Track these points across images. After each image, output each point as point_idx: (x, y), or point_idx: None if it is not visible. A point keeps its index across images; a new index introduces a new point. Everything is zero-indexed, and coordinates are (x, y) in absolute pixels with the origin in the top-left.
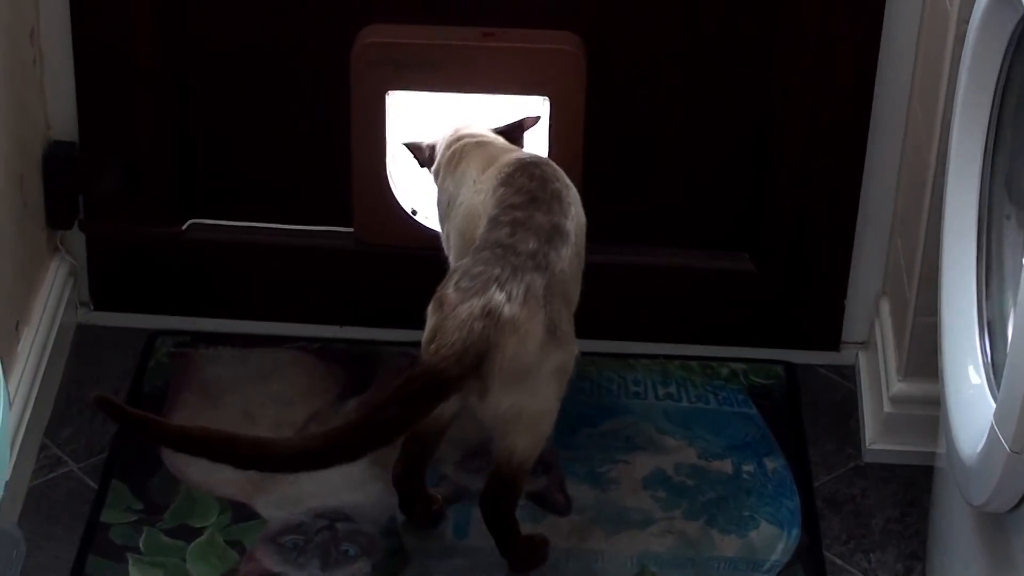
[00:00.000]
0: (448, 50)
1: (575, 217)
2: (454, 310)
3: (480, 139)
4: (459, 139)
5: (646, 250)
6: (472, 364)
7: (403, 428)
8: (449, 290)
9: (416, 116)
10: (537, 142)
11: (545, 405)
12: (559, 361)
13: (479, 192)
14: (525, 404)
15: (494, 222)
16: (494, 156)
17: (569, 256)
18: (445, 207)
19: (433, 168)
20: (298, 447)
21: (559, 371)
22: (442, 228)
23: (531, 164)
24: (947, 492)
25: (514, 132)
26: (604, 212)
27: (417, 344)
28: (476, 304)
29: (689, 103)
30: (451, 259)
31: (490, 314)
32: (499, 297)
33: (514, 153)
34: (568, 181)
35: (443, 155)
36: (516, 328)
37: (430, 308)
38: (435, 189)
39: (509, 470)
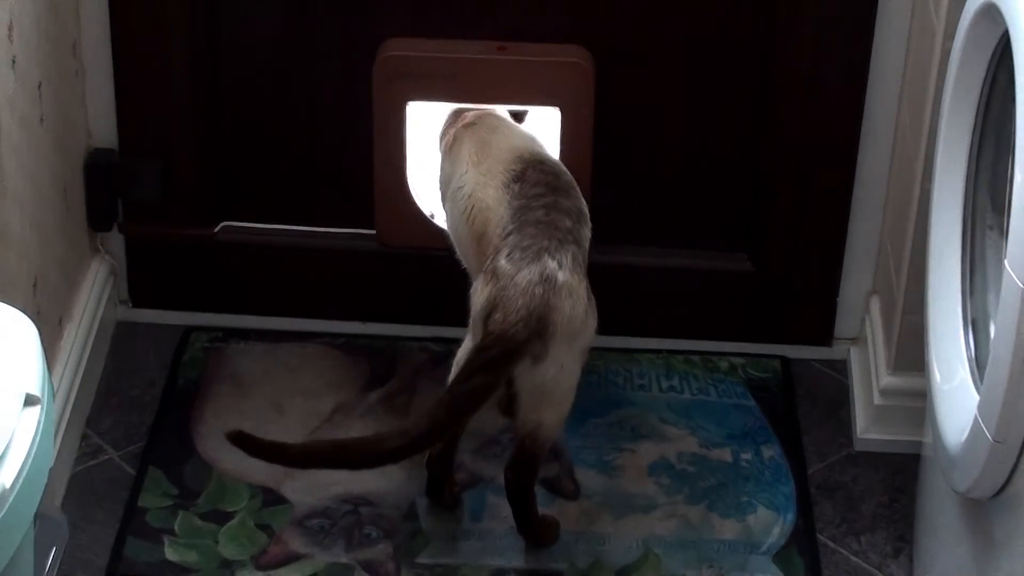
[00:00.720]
0: (464, 63)
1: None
2: (512, 279)
3: (475, 122)
4: (457, 122)
5: (651, 251)
6: (537, 327)
7: (488, 394)
8: (502, 261)
9: (434, 125)
10: (549, 148)
11: (574, 381)
12: (592, 330)
13: (485, 185)
14: (564, 376)
15: (526, 208)
16: (487, 142)
17: (588, 235)
18: (444, 186)
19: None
20: (404, 433)
21: (589, 343)
22: (443, 205)
23: (538, 162)
24: (933, 479)
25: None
26: (611, 214)
27: (434, 340)
28: (534, 271)
29: (690, 113)
30: (448, 232)
31: (548, 279)
32: (552, 264)
33: (511, 142)
34: (568, 172)
35: (443, 137)
36: (571, 291)
37: (480, 282)
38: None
39: (534, 446)
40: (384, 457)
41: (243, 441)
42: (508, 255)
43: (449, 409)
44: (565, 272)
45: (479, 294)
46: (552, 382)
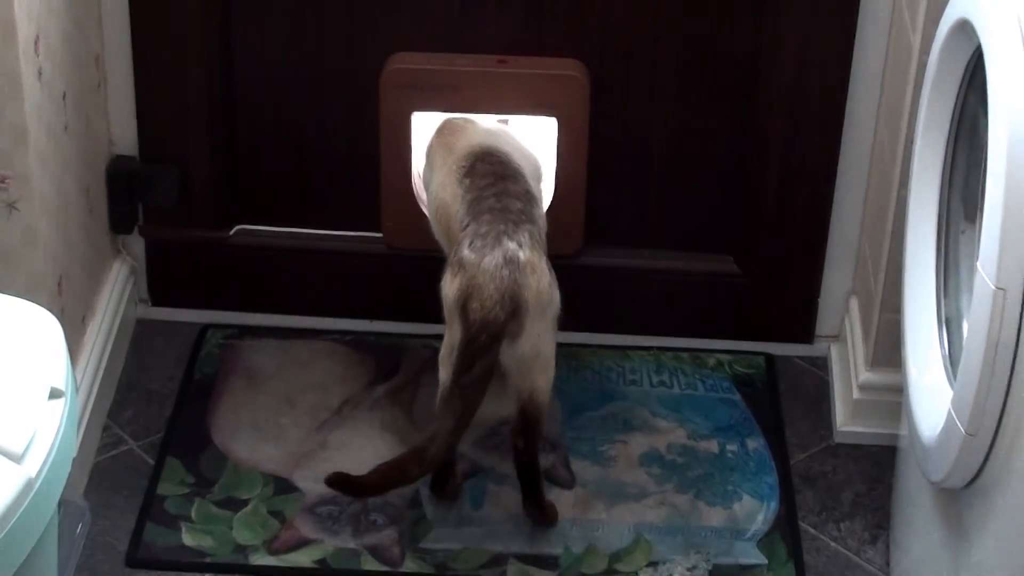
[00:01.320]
0: (466, 75)
1: (536, 181)
2: (479, 266)
3: (447, 131)
4: (435, 136)
5: (641, 253)
6: (511, 307)
7: (489, 377)
8: (464, 252)
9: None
10: (547, 157)
11: (552, 347)
12: (558, 300)
13: (444, 187)
14: (542, 344)
15: (478, 200)
16: (449, 144)
17: (542, 214)
18: (427, 187)
19: None
20: (435, 437)
21: (557, 312)
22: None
23: (486, 154)
24: (909, 470)
25: None
26: (604, 219)
27: (438, 337)
28: (497, 255)
29: (679, 123)
30: (434, 233)
31: (511, 260)
32: (512, 246)
33: (468, 141)
34: (520, 160)
35: (427, 152)
36: (533, 268)
37: (448, 274)
38: None
39: (533, 409)
40: (432, 461)
41: (341, 483)
42: (470, 244)
43: (463, 401)
44: (525, 250)
45: (449, 285)
46: (532, 352)
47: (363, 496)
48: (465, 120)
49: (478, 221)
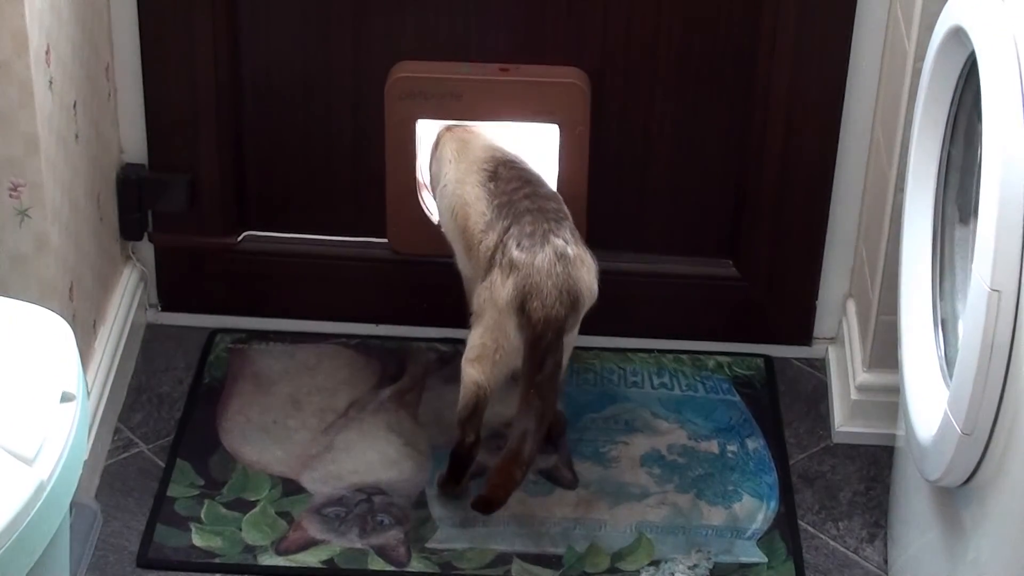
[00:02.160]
0: (469, 83)
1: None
2: (533, 265)
3: (457, 127)
4: (444, 129)
5: (642, 257)
6: (570, 302)
7: (559, 371)
8: (514, 252)
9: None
10: (549, 163)
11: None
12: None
13: (463, 182)
14: (577, 329)
15: (510, 203)
16: (465, 140)
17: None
18: (434, 186)
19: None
20: (524, 435)
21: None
22: (435, 202)
23: (508, 161)
24: (906, 469)
25: None
26: (606, 223)
27: (442, 340)
28: (548, 252)
29: (680, 130)
30: (442, 226)
31: (563, 256)
32: (560, 242)
33: (485, 143)
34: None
35: (432, 144)
36: (583, 261)
37: (497, 276)
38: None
39: (557, 383)
40: (530, 460)
41: (483, 505)
42: (518, 245)
43: (542, 398)
44: (572, 246)
45: (502, 287)
46: (572, 339)
47: (493, 510)
48: (474, 127)
49: (520, 223)
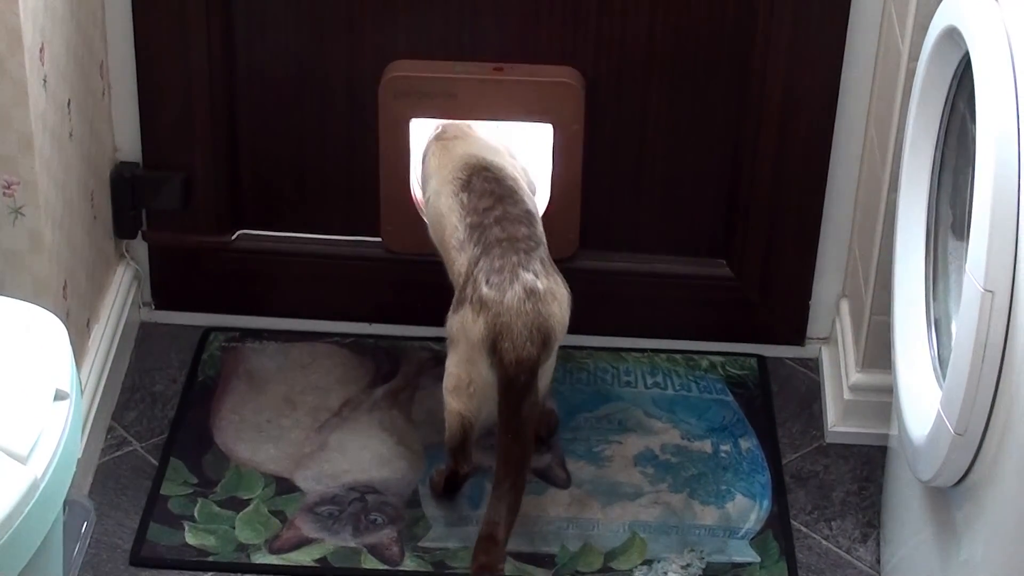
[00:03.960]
0: (464, 83)
1: (531, 194)
2: (502, 304)
3: (443, 134)
4: (434, 139)
5: (636, 257)
6: (541, 340)
7: (537, 409)
8: (484, 289)
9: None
10: (542, 162)
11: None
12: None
13: (439, 194)
14: (554, 356)
15: (480, 226)
16: (447, 149)
17: (541, 229)
18: (424, 195)
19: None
20: (507, 477)
21: None
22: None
23: (482, 168)
24: (899, 469)
25: None
26: (600, 223)
27: (436, 339)
28: (517, 290)
29: (673, 130)
30: (430, 233)
31: (532, 293)
32: (529, 277)
33: (465, 150)
34: (515, 171)
35: (422, 156)
36: (553, 294)
37: (468, 312)
38: None
39: (534, 425)
40: (518, 503)
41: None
42: (487, 282)
43: (521, 442)
44: (542, 279)
45: (473, 324)
46: (548, 367)
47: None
48: (466, 126)
49: (489, 255)
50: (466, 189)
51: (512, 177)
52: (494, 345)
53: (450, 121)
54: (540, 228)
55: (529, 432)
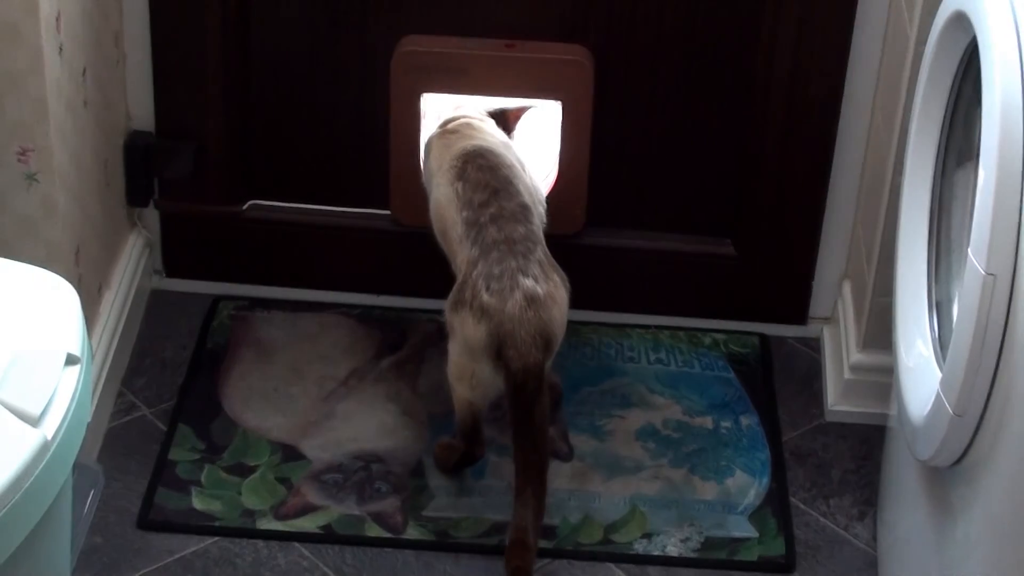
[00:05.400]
0: (474, 59)
1: (526, 181)
2: (504, 312)
3: (445, 129)
4: (438, 130)
5: (643, 235)
6: (544, 344)
7: (547, 410)
8: (485, 297)
9: (446, 115)
10: (551, 140)
11: None
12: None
13: (439, 186)
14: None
15: (476, 225)
16: (448, 145)
17: (540, 212)
18: (427, 182)
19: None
20: (529, 479)
21: None
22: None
23: (475, 155)
24: (897, 448)
25: (504, 116)
26: (607, 202)
27: (441, 312)
28: (518, 297)
29: (682, 109)
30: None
31: (532, 299)
32: (528, 283)
33: (464, 143)
34: (510, 157)
35: (424, 152)
36: (553, 298)
37: (469, 316)
38: None
39: (547, 430)
40: (543, 507)
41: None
42: (487, 288)
43: (538, 450)
44: (541, 283)
45: (474, 331)
46: (551, 359)
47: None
48: (468, 125)
49: (487, 259)
50: (461, 178)
51: (508, 165)
52: (498, 352)
53: (453, 116)
54: (536, 222)
55: (544, 439)
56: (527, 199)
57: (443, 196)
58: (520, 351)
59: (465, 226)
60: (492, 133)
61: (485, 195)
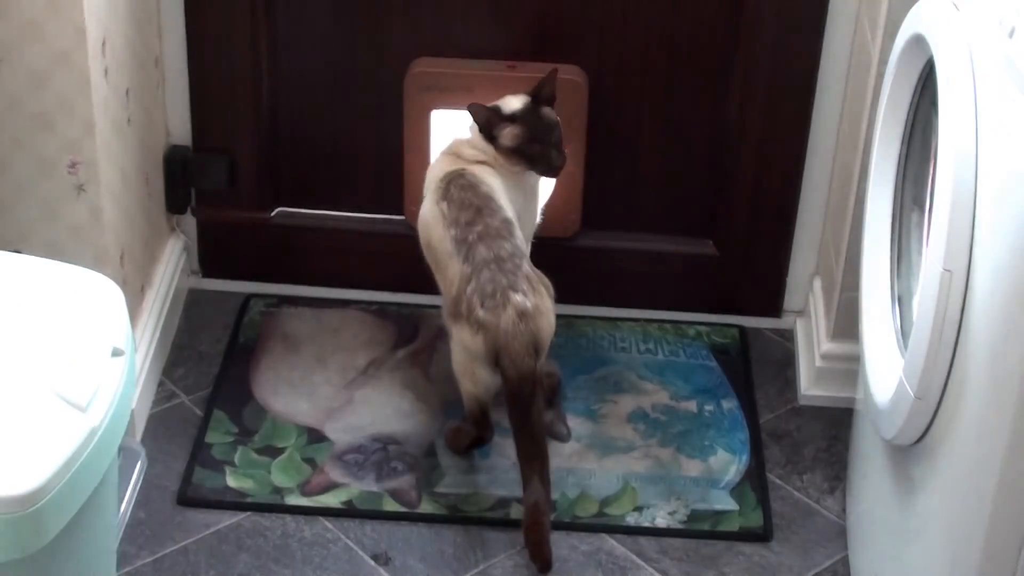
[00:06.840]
0: (480, 78)
1: (505, 197)
2: (498, 327)
3: (446, 151)
4: (441, 154)
5: (632, 236)
6: (535, 351)
7: (544, 410)
8: (480, 313)
9: (454, 129)
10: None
11: None
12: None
13: (425, 201)
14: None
15: (466, 243)
16: (439, 165)
17: (519, 232)
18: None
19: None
20: (536, 481)
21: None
22: None
23: (455, 175)
24: (864, 429)
25: (544, 87)
26: (600, 206)
27: None
28: (510, 313)
29: (667, 123)
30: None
31: (523, 314)
32: (518, 298)
33: (442, 167)
34: (485, 175)
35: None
36: (540, 311)
37: (466, 330)
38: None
39: (544, 424)
40: (549, 490)
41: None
42: (482, 305)
43: (537, 442)
44: (529, 297)
45: (472, 342)
46: (543, 359)
47: (551, 566)
48: (459, 146)
49: (479, 276)
50: (445, 197)
51: (487, 183)
52: (496, 359)
53: (456, 138)
54: (519, 235)
55: (543, 431)
56: (509, 213)
57: (429, 214)
58: (515, 360)
59: (454, 244)
60: (477, 155)
61: (470, 214)
